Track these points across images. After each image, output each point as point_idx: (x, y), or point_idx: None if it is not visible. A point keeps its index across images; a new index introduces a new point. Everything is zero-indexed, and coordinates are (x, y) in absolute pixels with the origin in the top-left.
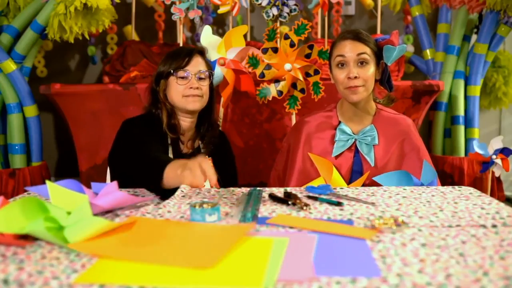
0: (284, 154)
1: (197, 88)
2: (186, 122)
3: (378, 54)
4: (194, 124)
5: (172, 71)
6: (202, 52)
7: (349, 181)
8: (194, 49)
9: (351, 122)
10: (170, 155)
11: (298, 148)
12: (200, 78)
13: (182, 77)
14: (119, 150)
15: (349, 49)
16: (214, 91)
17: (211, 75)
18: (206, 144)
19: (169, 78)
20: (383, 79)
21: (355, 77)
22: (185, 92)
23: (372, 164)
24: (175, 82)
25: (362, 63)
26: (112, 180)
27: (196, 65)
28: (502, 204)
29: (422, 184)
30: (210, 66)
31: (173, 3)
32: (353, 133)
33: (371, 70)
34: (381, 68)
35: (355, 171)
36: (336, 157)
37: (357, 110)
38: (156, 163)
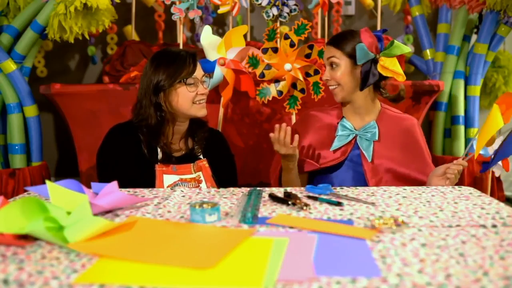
0: None
1: (206, 92)
2: (182, 127)
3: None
4: (187, 126)
5: (184, 79)
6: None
7: (348, 178)
8: (194, 54)
9: (353, 118)
10: (161, 161)
11: (301, 140)
12: (203, 82)
13: (189, 84)
14: (102, 159)
15: (325, 54)
16: None
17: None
18: (198, 142)
19: (175, 87)
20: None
21: (327, 80)
22: (196, 99)
23: (369, 160)
24: (185, 90)
25: (332, 65)
26: (99, 175)
27: (200, 69)
28: (502, 204)
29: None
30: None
31: (173, 3)
32: (355, 129)
33: (340, 71)
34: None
35: (355, 168)
36: (334, 150)
37: (357, 108)
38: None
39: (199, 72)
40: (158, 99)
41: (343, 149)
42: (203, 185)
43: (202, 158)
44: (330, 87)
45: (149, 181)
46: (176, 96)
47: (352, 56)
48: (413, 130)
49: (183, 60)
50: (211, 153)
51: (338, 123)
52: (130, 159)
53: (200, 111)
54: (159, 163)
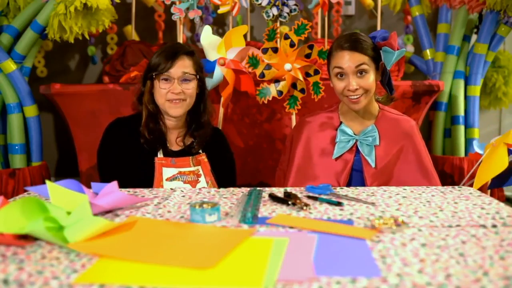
0: (286, 154)
1: (180, 92)
2: (172, 122)
3: (377, 57)
4: (182, 123)
5: (154, 74)
6: (190, 52)
7: (348, 182)
8: (180, 51)
9: (352, 122)
10: (160, 154)
11: (297, 146)
12: (185, 80)
13: (165, 80)
14: (102, 152)
15: (347, 60)
16: (206, 92)
17: (199, 77)
18: (197, 143)
19: (153, 80)
20: (384, 80)
21: (356, 89)
22: (168, 96)
23: (373, 165)
24: (158, 86)
25: (362, 72)
26: (100, 172)
27: (181, 67)
28: (502, 204)
29: None
30: (200, 66)
31: (173, 3)
32: (354, 134)
33: (371, 78)
34: (381, 68)
35: (355, 172)
36: (336, 158)
37: (359, 112)
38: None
39: (177, 70)
40: (143, 88)
41: (345, 155)
42: (202, 179)
43: (201, 152)
44: (353, 97)
45: (148, 174)
46: (155, 90)
47: (374, 59)
48: (412, 132)
49: (165, 56)
50: (210, 149)
51: (336, 128)
52: (129, 151)
53: (171, 110)
54: (158, 156)
